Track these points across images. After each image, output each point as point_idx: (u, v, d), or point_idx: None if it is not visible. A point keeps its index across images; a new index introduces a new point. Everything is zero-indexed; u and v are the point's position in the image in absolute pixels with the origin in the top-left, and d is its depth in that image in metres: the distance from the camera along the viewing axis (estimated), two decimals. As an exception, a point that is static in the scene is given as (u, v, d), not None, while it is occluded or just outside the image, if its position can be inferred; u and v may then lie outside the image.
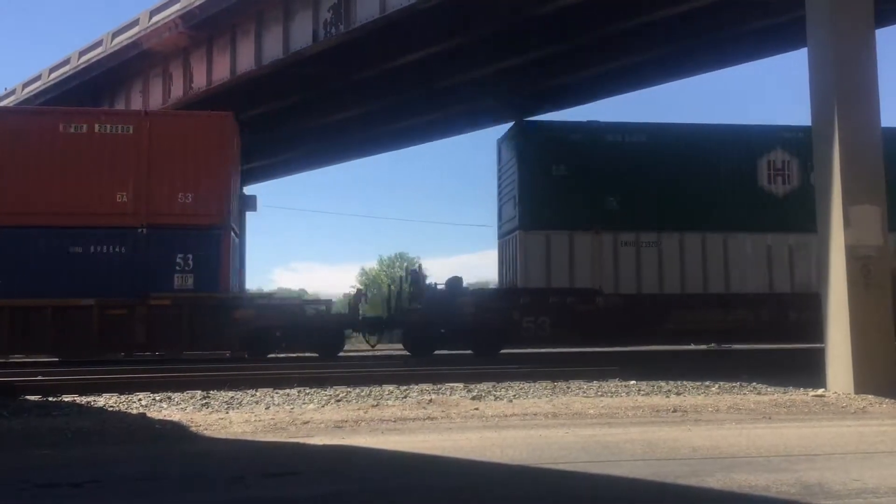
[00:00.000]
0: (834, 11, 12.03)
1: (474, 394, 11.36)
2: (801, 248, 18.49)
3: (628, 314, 18.31)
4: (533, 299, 18.37)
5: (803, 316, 17.49)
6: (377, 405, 10.27)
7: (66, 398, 11.13)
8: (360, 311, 19.80)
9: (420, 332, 18.46)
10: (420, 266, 18.96)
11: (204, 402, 10.69)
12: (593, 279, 18.48)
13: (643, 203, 18.81)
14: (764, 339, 19.61)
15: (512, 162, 19.86)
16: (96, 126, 17.03)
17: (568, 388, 12.00)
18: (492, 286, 22.99)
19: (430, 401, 10.63)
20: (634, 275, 18.62)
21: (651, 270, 18.63)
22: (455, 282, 19.46)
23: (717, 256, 18.68)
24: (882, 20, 16.70)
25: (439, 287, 19.23)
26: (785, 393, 11.47)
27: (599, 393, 11.53)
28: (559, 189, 18.77)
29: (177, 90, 22.04)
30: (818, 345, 14.01)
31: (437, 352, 18.50)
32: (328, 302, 19.84)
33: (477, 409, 9.91)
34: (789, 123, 19.89)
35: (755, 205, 18.88)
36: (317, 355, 17.86)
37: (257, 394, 11.44)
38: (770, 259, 18.69)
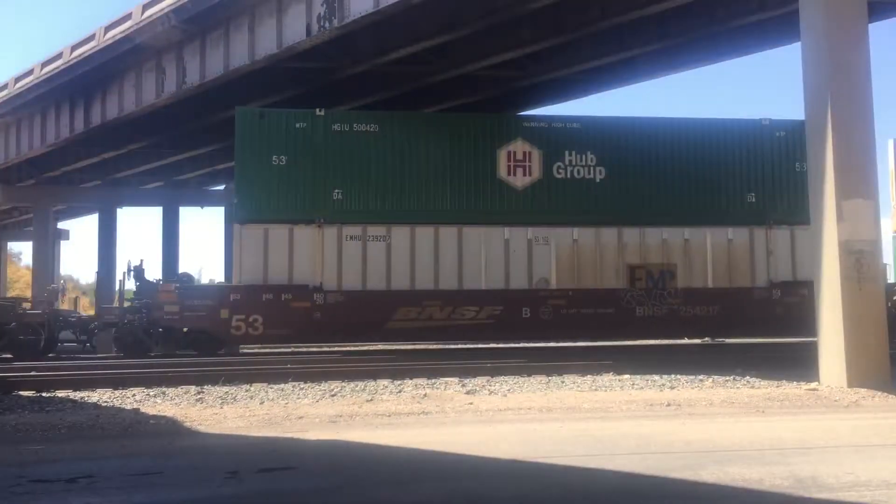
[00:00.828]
0: (827, 6, 12.04)
1: (469, 388, 11.38)
2: (540, 242, 17.88)
3: (351, 311, 17.09)
4: (244, 296, 17.04)
5: (542, 311, 17.53)
6: (372, 400, 10.28)
7: (60, 393, 11.11)
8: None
9: (129, 332, 17.20)
10: (142, 261, 17.73)
11: (198, 397, 10.69)
12: (314, 275, 17.23)
13: (371, 195, 17.63)
14: (494, 338, 19.09)
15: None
16: None
17: (562, 382, 12.02)
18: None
19: (425, 395, 10.65)
20: (360, 270, 17.36)
21: (378, 265, 17.41)
22: (185, 278, 18.53)
23: (451, 250, 17.62)
24: (875, 15, 16.71)
25: (165, 283, 18.16)
26: (778, 387, 11.51)
27: (594, 387, 11.56)
28: (279, 179, 17.36)
29: (170, 85, 21.93)
30: (553, 344, 13.94)
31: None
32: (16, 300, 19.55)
33: (471, 403, 9.93)
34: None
35: (494, 197, 17.91)
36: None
37: (252, 389, 11.44)
38: (507, 253, 17.77)
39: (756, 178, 18.70)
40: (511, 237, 17.82)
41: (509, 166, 18.07)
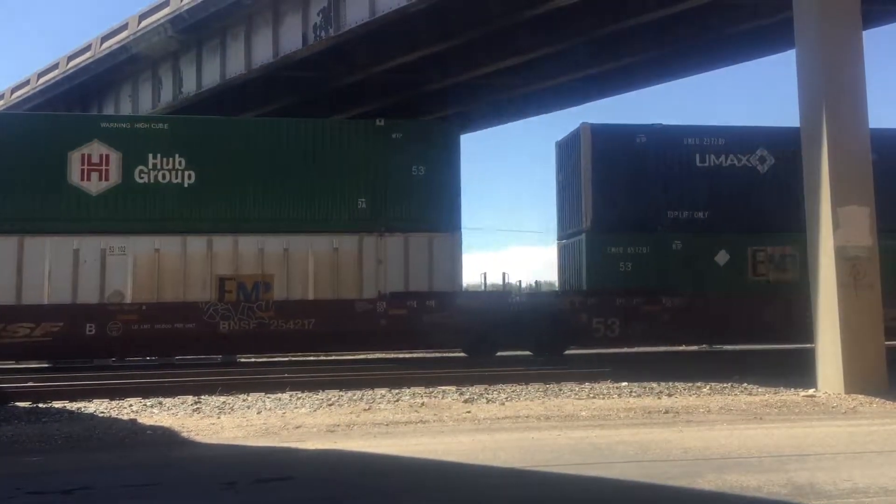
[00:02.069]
0: (822, 13, 12.09)
1: (466, 397, 11.36)
2: (115, 252, 16.26)
3: None
4: None
5: (110, 327, 15.93)
6: (369, 409, 10.27)
7: (57, 404, 11.07)
8: None
9: None
10: None
11: (195, 407, 10.66)
12: None
13: None
14: (55, 357, 17.15)
15: None
16: None
17: (560, 390, 12.01)
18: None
19: (423, 404, 10.64)
20: None
21: None
22: None
23: (9, 263, 15.90)
24: (870, 22, 16.80)
25: None
26: (776, 393, 11.51)
27: (591, 395, 11.55)
28: None
29: (166, 94, 21.98)
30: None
31: None
32: None
33: (469, 412, 9.92)
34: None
35: (64, 204, 16.26)
36: None
37: (249, 398, 11.41)
38: (77, 265, 16.11)
39: (368, 183, 17.14)
40: (82, 247, 16.21)
41: (83, 170, 16.39)
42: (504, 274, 18.53)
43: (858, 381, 11.22)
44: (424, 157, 17.32)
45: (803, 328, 16.48)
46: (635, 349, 19.35)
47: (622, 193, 17.75)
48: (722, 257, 17.90)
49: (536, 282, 22.71)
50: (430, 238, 17.18)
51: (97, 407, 10.76)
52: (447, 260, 17.28)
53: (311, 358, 19.01)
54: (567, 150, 18.87)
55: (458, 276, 17.64)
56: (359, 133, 17.63)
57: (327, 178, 17.10)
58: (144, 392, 11.86)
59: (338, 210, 17.08)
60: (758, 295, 17.69)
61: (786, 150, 17.76)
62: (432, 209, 17.26)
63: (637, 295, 17.48)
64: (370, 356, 19.48)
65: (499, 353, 17.51)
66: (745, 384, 12.41)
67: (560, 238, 19.31)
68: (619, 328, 17.44)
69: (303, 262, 16.85)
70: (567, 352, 17.68)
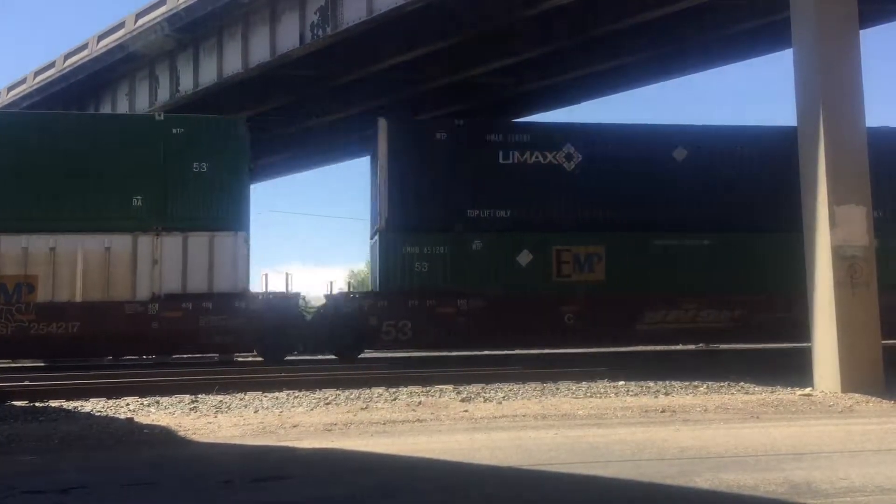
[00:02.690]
0: (818, 13, 12.11)
1: (463, 396, 11.36)
2: None
3: None
4: None
5: None
6: (366, 408, 10.26)
7: (54, 403, 11.05)
8: None
9: None
10: None
11: (192, 406, 10.65)
12: None
13: None
14: None
15: None
16: None
17: (557, 389, 12.01)
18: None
19: (420, 403, 10.64)
20: None
21: None
22: None
23: None
24: (866, 21, 16.81)
25: None
26: (773, 392, 11.52)
27: (588, 394, 11.55)
28: None
29: (163, 93, 21.96)
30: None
31: None
32: None
33: (466, 410, 9.92)
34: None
35: None
36: None
37: (246, 397, 11.40)
38: None
39: (145, 180, 16.32)
40: None
41: None
42: (287, 275, 17.57)
43: (855, 380, 11.24)
44: (207, 153, 16.50)
45: (610, 329, 16.87)
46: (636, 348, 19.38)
47: (420, 191, 17.16)
48: (524, 257, 17.35)
49: (349, 284, 21.78)
50: (211, 237, 16.40)
51: (94, 406, 10.74)
52: (228, 260, 16.44)
53: (309, 357, 18.98)
54: (373, 147, 18.34)
55: (243, 278, 16.67)
56: (136, 128, 17.07)
57: (101, 174, 16.22)
58: (141, 391, 11.84)
59: (111, 208, 16.20)
60: (561, 296, 17.30)
61: (594, 146, 17.64)
62: (214, 207, 16.44)
63: (431, 297, 16.97)
64: (369, 356, 19.48)
65: (300, 357, 17.38)
66: (742, 383, 12.42)
67: (370, 237, 18.80)
68: (412, 331, 16.95)
69: (71, 263, 15.97)
70: (362, 355, 17.46)
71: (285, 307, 17.13)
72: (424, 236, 17.08)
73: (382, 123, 17.40)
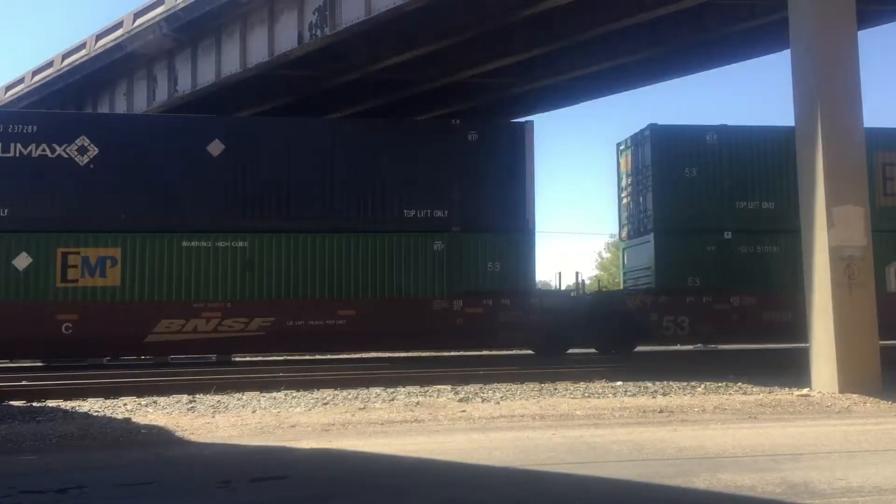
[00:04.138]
0: (817, 13, 12.12)
1: (461, 396, 11.36)
2: None
3: None
4: None
5: None
6: (364, 408, 10.26)
7: (51, 403, 11.05)
8: None
9: None
10: None
11: (190, 406, 10.65)
12: None
13: None
14: None
15: None
16: None
17: (555, 389, 12.02)
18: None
19: (418, 403, 10.63)
20: None
21: None
22: None
23: None
24: (864, 22, 16.82)
25: None
26: (770, 393, 11.53)
27: (586, 394, 11.55)
28: None
29: (161, 93, 21.90)
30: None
31: None
32: None
33: (464, 411, 9.92)
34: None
35: None
36: None
37: (244, 397, 11.40)
38: None
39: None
40: None
41: None
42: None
43: (852, 380, 11.25)
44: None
45: (119, 340, 15.76)
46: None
47: None
48: (22, 261, 16.14)
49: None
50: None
51: (91, 406, 10.74)
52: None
53: (308, 357, 19.00)
54: None
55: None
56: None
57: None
58: (139, 391, 11.85)
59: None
60: (63, 304, 16.10)
61: (114, 139, 16.73)
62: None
63: None
64: (365, 355, 19.49)
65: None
66: (740, 383, 12.44)
67: None
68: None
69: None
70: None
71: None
72: None
73: None
